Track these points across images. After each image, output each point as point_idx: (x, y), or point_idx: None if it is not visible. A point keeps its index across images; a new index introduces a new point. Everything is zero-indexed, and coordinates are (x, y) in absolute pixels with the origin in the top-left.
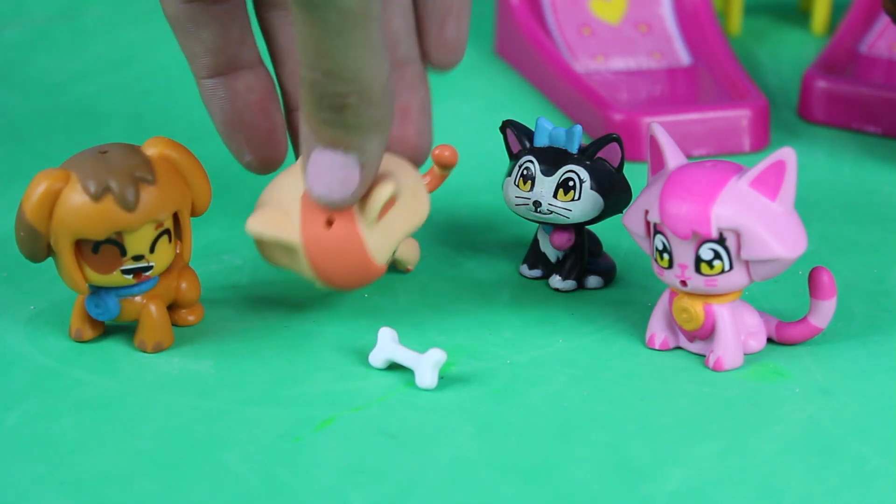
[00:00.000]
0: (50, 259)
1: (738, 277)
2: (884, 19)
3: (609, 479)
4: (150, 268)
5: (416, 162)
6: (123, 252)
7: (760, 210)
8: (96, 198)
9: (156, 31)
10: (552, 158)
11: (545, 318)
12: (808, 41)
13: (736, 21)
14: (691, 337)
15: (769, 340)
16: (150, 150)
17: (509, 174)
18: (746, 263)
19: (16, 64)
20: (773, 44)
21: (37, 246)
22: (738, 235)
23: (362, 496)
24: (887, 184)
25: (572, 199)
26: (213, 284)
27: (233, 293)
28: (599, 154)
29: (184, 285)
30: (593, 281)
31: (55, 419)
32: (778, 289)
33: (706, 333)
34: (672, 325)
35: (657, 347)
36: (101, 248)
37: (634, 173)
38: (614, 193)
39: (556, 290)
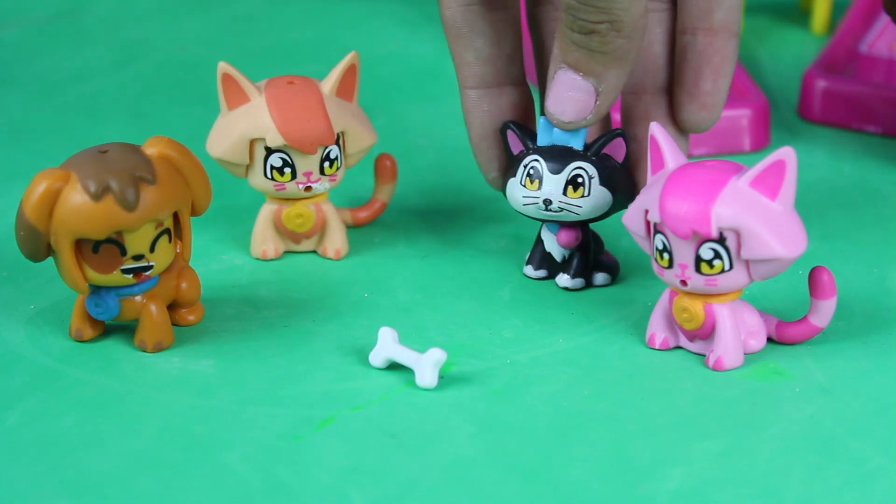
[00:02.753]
0: (50, 259)
1: (738, 277)
2: (884, 19)
3: (609, 479)
4: (150, 267)
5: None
6: (123, 251)
7: (760, 210)
8: (96, 197)
9: (156, 31)
10: (558, 156)
11: (545, 318)
12: (808, 41)
13: None
14: (691, 336)
15: (769, 340)
16: (150, 150)
17: (513, 175)
18: (746, 263)
19: (16, 64)
20: (773, 44)
21: (37, 245)
22: (738, 235)
23: (362, 496)
24: (887, 184)
25: (582, 196)
26: (213, 284)
27: (233, 293)
28: (604, 150)
29: (184, 285)
30: (600, 278)
31: (55, 419)
32: (778, 289)
33: (706, 333)
34: (672, 324)
35: (657, 347)
36: (102, 248)
37: None
38: (621, 188)
39: (566, 288)
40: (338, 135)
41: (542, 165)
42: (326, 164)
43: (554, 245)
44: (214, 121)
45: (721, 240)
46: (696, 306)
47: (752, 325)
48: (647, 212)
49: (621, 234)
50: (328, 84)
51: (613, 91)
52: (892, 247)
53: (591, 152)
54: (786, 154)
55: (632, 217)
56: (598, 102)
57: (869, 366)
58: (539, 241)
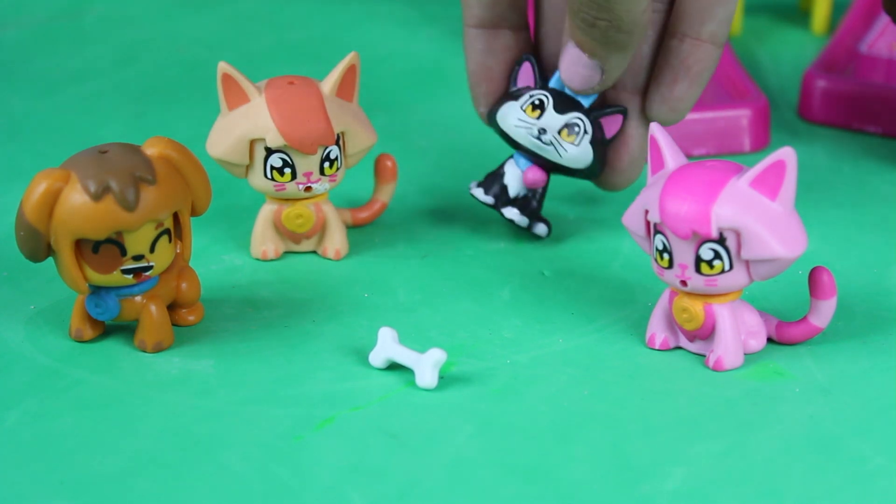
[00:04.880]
0: (50, 259)
1: (738, 277)
2: (884, 19)
3: (609, 479)
4: (150, 267)
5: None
6: (123, 252)
7: (760, 210)
8: (96, 197)
9: (156, 31)
10: (566, 101)
11: (545, 318)
12: (808, 41)
13: (736, 21)
14: (691, 337)
15: (769, 340)
16: (150, 150)
17: (514, 99)
18: (746, 263)
19: (16, 64)
20: (773, 44)
21: (37, 246)
22: (738, 235)
23: (362, 496)
24: (887, 184)
25: (573, 143)
26: (213, 284)
27: (233, 293)
28: (603, 119)
29: (184, 285)
30: (541, 228)
31: (55, 419)
32: (778, 289)
33: (706, 333)
34: (672, 324)
35: (657, 347)
36: (102, 248)
37: None
38: (598, 158)
39: (510, 220)
40: (338, 135)
41: (548, 101)
42: (326, 164)
43: (514, 179)
44: (214, 121)
45: (721, 240)
46: (696, 306)
47: (752, 325)
48: (647, 212)
49: (622, 234)
50: (328, 84)
51: (617, 70)
52: (892, 247)
53: (592, 114)
54: (786, 154)
55: (632, 217)
56: (603, 78)
57: (869, 366)
58: (501, 170)
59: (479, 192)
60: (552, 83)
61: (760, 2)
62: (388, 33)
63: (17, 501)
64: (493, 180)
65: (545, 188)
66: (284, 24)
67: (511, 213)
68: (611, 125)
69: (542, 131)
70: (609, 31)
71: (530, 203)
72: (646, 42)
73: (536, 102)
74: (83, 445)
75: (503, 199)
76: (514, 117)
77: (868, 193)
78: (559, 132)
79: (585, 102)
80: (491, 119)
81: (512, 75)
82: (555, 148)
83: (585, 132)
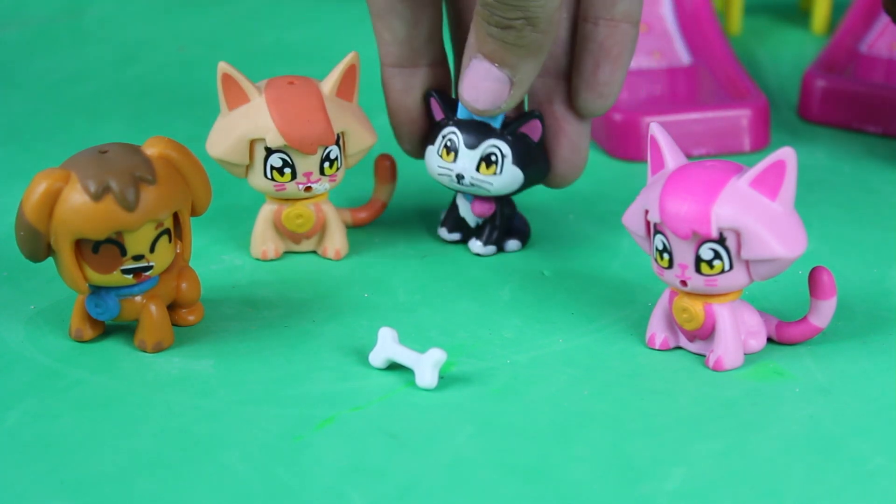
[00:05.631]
0: (50, 259)
1: (738, 277)
2: (884, 19)
3: (609, 479)
4: (150, 267)
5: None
6: (123, 252)
7: (760, 210)
8: (96, 197)
9: (156, 31)
10: (475, 131)
11: (545, 318)
12: (808, 41)
13: (736, 21)
14: (691, 337)
15: (769, 340)
16: (150, 150)
17: (432, 143)
18: (746, 263)
19: (16, 64)
20: (773, 44)
21: (37, 246)
22: (738, 235)
23: (362, 496)
24: (887, 184)
25: (494, 173)
26: (213, 284)
27: (233, 293)
28: (521, 129)
29: (184, 285)
30: (512, 244)
31: (55, 419)
32: (778, 289)
33: (706, 333)
34: (672, 324)
35: (657, 347)
36: (101, 248)
37: (635, 173)
38: (534, 167)
39: (478, 254)
40: (338, 135)
41: (458, 139)
42: (326, 164)
43: (468, 212)
44: (214, 121)
45: (721, 240)
46: (696, 306)
47: (752, 325)
48: (647, 212)
49: (622, 234)
50: (328, 84)
51: (527, 80)
52: (892, 247)
53: (507, 131)
54: (786, 154)
55: (632, 217)
56: (512, 92)
57: (869, 366)
58: (454, 205)
59: (444, 233)
60: (459, 114)
61: (760, 2)
62: None
63: (17, 501)
64: (451, 217)
65: (505, 203)
66: (284, 24)
67: (476, 247)
68: (533, 131)
69: (460, 177)
70: (524, 30)
71: (494, 226)
72: (561, 27)
73: (448, 144)
74: (83, 445)
75: (467, 232)
76: (434, 165)
77: (868, 193)
78: (477, 168)
79: (496, 122)
80: (422, 155)
81: (427, 113)
82: (478, 187)
83: (505, 156)
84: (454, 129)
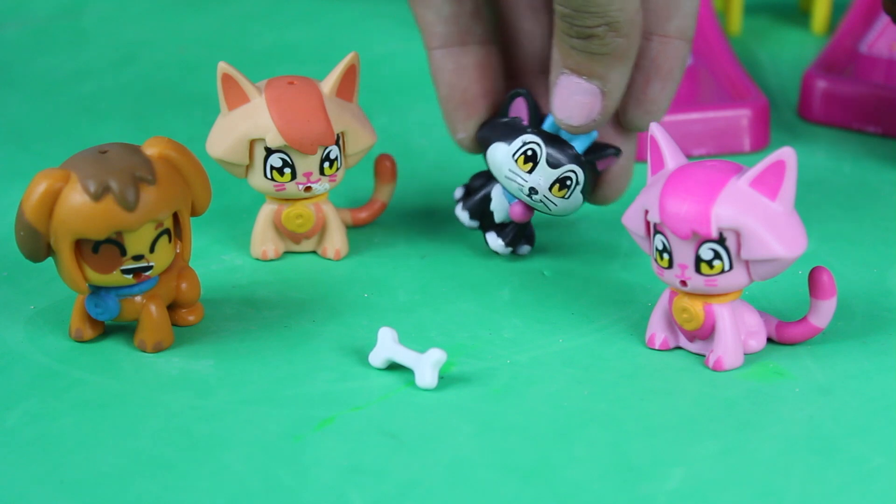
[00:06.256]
0: (50, 259)
1: (738, 277)
2: (884, 19)
3: (609, 479)
4: (150, 268)
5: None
6: (123, 252)
7: (760, 210)
8: (96, 197)
9: (156, 31)
10: (560, 150)
11: (545, 318)
12: (808, 41)
13: (736, 21)
14: (691, 337)
15: (769, 340)
16: (150, 150)
17: (506, 141)
18: (746, 263)
19: (16, 63)
20: (773, 44)
21: (37, 246)
22: (738, 235)
23: (362, 496)
24: (887, 184)
25: (563, 197)
26: (213, 284)
27: (233, 293)
28: (599, 161)
29: (184, 285)
30: (525, 249)
31: (55, 419)
32: (778, 289)
33: (706, 333)
34: (672, 324)
35: (657, 347)
36: (101, 248)
37: (635, 173)
38: (590, 195)
39: (494, 252)
40: (338, 135)
41: (541, 152)
42: (326, 164)
43: (501, 208)
44: (214, 121)
45: (721, 240)
46: (696, 306)
47: (752, 325)
48: (646, 212)
49: (622, 234)
50: (328, 84)
51: (618, 89)
52: (892, 247)
53: (586, 159)
54: (786, 154)
55: (632, 217)
56: (604, 103)
57: (869, 366)
58: (486, 196)
59: (464, 216)
60: (546, 126)
61: (760, 2)
62: (388, 33)
63: (17, 501)
64: (479, 205)
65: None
66: (284, 24)
67: (497, 245)
68: (606, 164)
69: (533, 191)
70: (607, 36)
71: (519, 229)
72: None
73: (529, 153)
74: (83, 445)
75: (487, 223)
76: (505, 167)
77: (868, 193)
78: (550, 188)
79: (580, 146)
80: (477, 145)
81: (502, 105)
82: (544, 204)
83: (577, 183)
84: (538, 140)
